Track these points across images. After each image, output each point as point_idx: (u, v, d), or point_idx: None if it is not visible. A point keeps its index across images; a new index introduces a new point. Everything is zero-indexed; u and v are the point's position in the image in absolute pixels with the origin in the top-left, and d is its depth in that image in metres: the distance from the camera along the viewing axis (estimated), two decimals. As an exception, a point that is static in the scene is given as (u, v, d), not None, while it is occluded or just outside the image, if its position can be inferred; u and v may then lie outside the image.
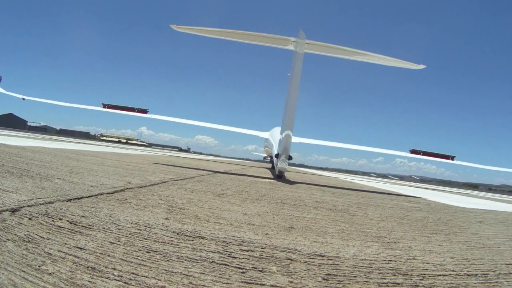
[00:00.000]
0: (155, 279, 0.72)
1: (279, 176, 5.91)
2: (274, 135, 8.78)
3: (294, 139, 11.16)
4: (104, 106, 8.84)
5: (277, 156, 5.72)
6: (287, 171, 6.45)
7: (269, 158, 14.14)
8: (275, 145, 7.43)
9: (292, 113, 5.29)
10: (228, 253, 0.95)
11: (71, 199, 1.37)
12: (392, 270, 0.97)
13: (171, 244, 0.97)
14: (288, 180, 5.26)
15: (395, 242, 1.35)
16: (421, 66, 5.85)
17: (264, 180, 4.55)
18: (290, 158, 5.56)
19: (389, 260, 1.06)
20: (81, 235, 0.94)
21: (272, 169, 9.97)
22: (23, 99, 11.23)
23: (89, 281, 0.68)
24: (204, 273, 0.79)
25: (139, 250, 0.88)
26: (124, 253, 0.85)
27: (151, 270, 0.76)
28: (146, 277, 0.73)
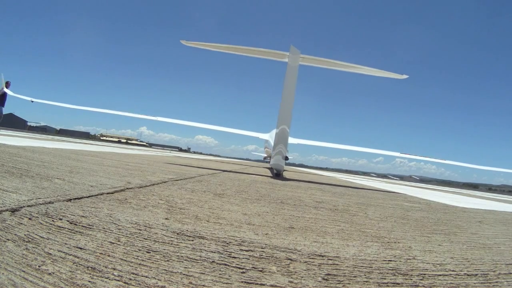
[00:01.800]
0: (155, 279, 0.72)
1: (277, 175, 6.19)
2: (273, 136, 9.23)
3: (293, 140, 11.58)
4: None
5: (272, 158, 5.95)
6: (284, 169, 6.55)
7: (269, 158, 14.39)
8: (270, 144, 7.69)
9: (289, 113, 5.55)
10: (228, 253, 0.95)
11: (71, 199, 1.37)
12: (392, 270, 0.97)
13: (171, 244, 0.97)
14: (288, 180, 5.26)
15: (395, 242, 1.35)
16: (404, 76, 6.35)
17: (263, 180, 4.55)
18: (286, 158, 5.75)
19: (389, 260, 1.06)
20: (81, 235, 0.94)
21: (272, 169, 10.16)
22: (32, 101, 11.30)
23: (89, 281, 0.68)
24: (204, 273, 0.79)
25: (139, 250, 0.88)
26: (124, 253, 0.85)
27: (151, 270, 0.76)
28: (146, 277, 0.73)
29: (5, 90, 10.72)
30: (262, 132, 12.95)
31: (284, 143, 5.83)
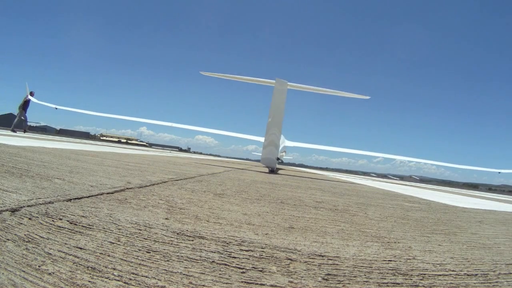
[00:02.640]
0: (155, 279, 0.72)
1: (271, 171, 7.68)
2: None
3: (290, 143, 14.36)
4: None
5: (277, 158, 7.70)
6: (277, 168, 8.80)
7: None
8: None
9: (279, 122, 7.42)
10: (228, 253, 0.95)
11: (71, 199, 1.37)
12: (392, 270, 0.97)
13: (171, 244, 0.97)
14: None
15: (395, 242, 1.35)
16: (367, 97, 8.62)
17: (263, 180, 4.56)
18: (278, 159, 7.64)
19: (389, 260, 1.06)
20: (81, 235, 0.94)
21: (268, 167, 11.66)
22: (56, 108, 12.47)
23: (89, 281, 0.67)
24: (204, 273, 0.79)
25: (139, 250, 0.88)
26: (124, 253, 0.85)
27: (151, 270, 0.76)
28: (146, 277, 0.73)
29: (30, 97, 11.80)
30: (263, 136, 15.03)
31: (276, 147, 7.47)
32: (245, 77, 8.41)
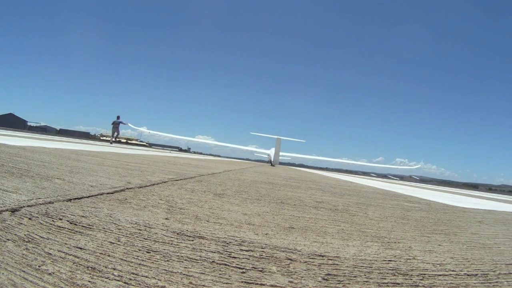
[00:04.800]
0: (155, 279, 0.72)
1: (272, 165, 19.38)
2: (273, 151, 21.57)
3: (283, 153, 26.00)
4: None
5: (271, 160, 22.13)
6: (275, 165, 20.72)
7: (269, 161, 27.08)
8: (271, 155, 22.25)
9: (279, 144, 22.47)
10: (228, 253, 0.95)
11: (71, 199, 1.37)
12: (392, 270, 0.97)
13: (171, 244, 0.97)
14: (287, 179, 5.26)
15: (395, 242, 1.35)
16: (303, 141, 30.11)
17: (263, 180, 4.56)
18: (271, 162, 18.98)
19: (389, 260, 1.06)
20: (81, 235, 0.94)
21: (271, 166, 18.73)
22: (149, 132, 20.08)
23: (89, 281, 0.68)
24: (204, 273, 0.79)
25: (139, 250, 0.88)
26: (124, 253, 0.85)
27: (151, 270, 0.76)
28: (146, 277, 0.73)
29: (129, 125, 18.33)
30: (266, 149, 28.48)
31: (277, 155, 21.74)
32: (271, 135, 23.01)
